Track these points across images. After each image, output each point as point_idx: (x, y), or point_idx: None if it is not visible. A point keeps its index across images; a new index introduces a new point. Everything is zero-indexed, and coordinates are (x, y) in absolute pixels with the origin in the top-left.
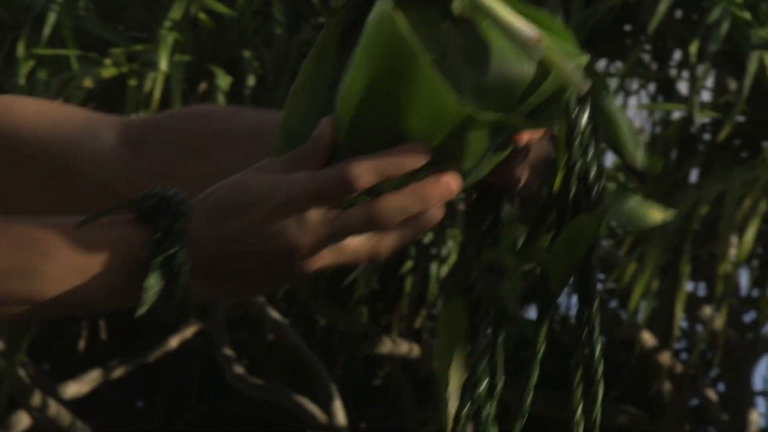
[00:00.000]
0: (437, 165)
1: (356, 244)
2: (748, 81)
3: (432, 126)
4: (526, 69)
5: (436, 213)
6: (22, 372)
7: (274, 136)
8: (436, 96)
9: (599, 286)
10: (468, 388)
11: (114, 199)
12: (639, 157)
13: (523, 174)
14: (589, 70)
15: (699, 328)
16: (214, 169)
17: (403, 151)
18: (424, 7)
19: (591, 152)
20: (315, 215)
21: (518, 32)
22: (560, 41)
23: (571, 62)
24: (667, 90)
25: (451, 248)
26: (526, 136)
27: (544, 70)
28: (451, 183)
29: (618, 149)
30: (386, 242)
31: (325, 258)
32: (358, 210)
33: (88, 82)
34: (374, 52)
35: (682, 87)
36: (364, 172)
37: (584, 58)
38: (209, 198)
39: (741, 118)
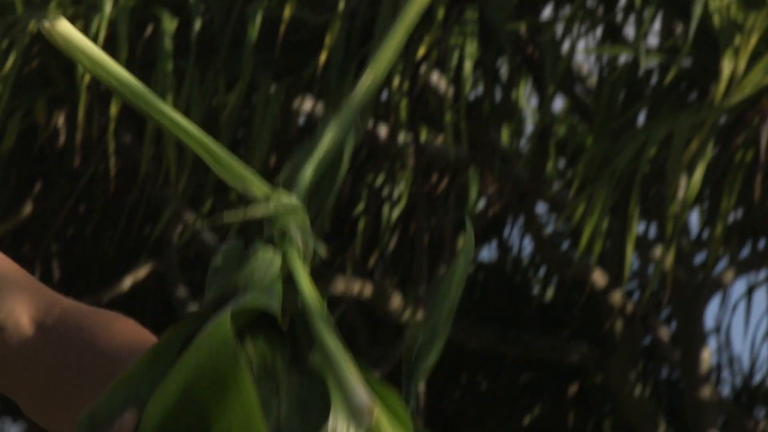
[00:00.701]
0: None
1: None
2: (693, 25)
3: None
4: None
5: None
6: None
7: (79, 420)
8: (248, 421)
9: (549, 228)
10: None
11: (9, 378)
12: None
13: None
14: None
15: (650, 268)
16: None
17: None
18: (276, 341)
19: None
20: None
21: (355, 397)
22: (398, 425)
23: None
24: (613, 34)
25: (402, 190)
26: None
27: None
28: None
29: None
30: None
31: None
32: None
33: (32, 26)
34: (200, 355)
35: (629, 31)
36: None
37: None
38: None
39: (687, 62)
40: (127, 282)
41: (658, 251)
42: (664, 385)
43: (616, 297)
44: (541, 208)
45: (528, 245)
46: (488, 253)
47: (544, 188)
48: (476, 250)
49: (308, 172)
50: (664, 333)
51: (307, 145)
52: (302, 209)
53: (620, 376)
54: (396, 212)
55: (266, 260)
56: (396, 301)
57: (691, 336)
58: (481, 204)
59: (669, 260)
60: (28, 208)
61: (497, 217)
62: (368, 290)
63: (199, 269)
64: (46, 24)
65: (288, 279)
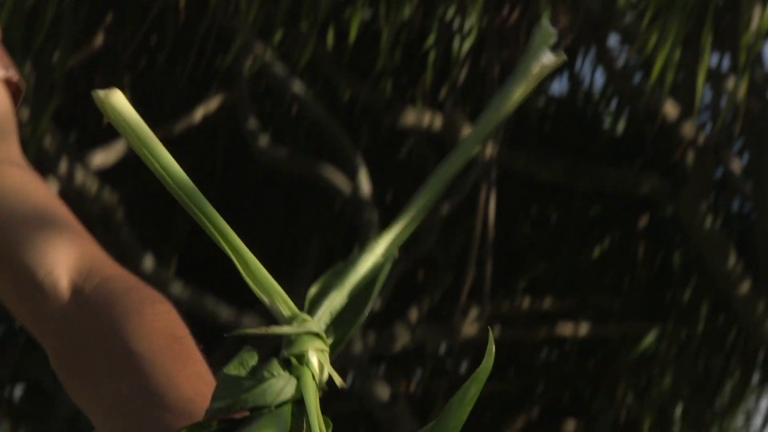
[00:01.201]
0: None
1: None
2: None
3: None
4: None
5: None
6: (48, 140)
7: None
8: None
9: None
10: None
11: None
12: None
13: None
14: None
15: (723, 100)
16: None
17: None
18: None
19: None
20: None
21: None
22: None
23: None
24: None
25: (473, 23)
26: None
27: None
28: None
29: None
30: None
31: None
32: None
33: None
34: None
35: None
36: None
37: None
38: None
39: None
40: (198, 114)
41: (730, 83)
42: (735, 217)
43: (688, 128)
44: (613, 39)
45: (599, 77)
46: (559, 86)
47: (617, 19)
48: (547, 83)
49: (337, 299)
50: (736, 165)
51: (340, 267)
52: (324, 336)
53: (691, 208)
54: (467, 45)
55: (280, 382)
56: (466, 133)
57: (763, 168)
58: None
59: (741, 91)
60: (99, 40)
61: (568, 49)
62: (438, 122)
63: (269, 101)
64: (100, 93)
65: (299, 401)
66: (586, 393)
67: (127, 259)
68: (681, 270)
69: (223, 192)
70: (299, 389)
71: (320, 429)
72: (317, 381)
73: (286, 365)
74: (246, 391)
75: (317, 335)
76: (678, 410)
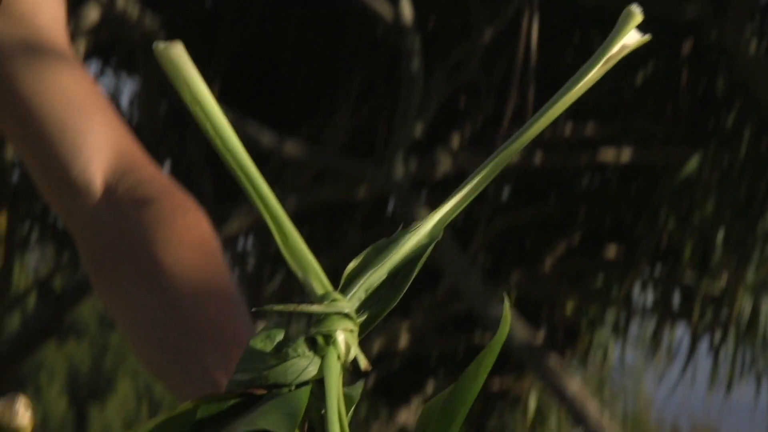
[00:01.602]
0: None
1: None
2: None
3: None
4: None
5: None
6: None
7: None
8: None
9: None
10: None
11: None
12: None
13: None
14: None
15: None
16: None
17: None
18: None
19: None
20: None
21: None
22: None
23: None
24: None
25: None
26: None
27: None
28: None
29: None
30: None
31: None
32: None
33: None
34: None
35: None
36: None
37: None
38: None
39: None
40: None
41: None
42: None
43: None
44: None
45: None
46: None
47: None
48: None
49: (374, 277)
50: None
51: (382, 244)
52: (354, 316)
53: (735, 33)
54: None
55: (303, 362)
56: None
57: None
58: None
59: None
60: None
61: None
62: None
63: None
64: (161, 45)
65: (321, 381)
66: (628, 219)
67: (168, 84)
68: (724, 95)
69: (264, 21)
70: (322, 370)
71: (339, 411)
72: (342, 362)
73: (312, 344)
74: (269, 367)
75: (347, 315)
76: (720, 235)
